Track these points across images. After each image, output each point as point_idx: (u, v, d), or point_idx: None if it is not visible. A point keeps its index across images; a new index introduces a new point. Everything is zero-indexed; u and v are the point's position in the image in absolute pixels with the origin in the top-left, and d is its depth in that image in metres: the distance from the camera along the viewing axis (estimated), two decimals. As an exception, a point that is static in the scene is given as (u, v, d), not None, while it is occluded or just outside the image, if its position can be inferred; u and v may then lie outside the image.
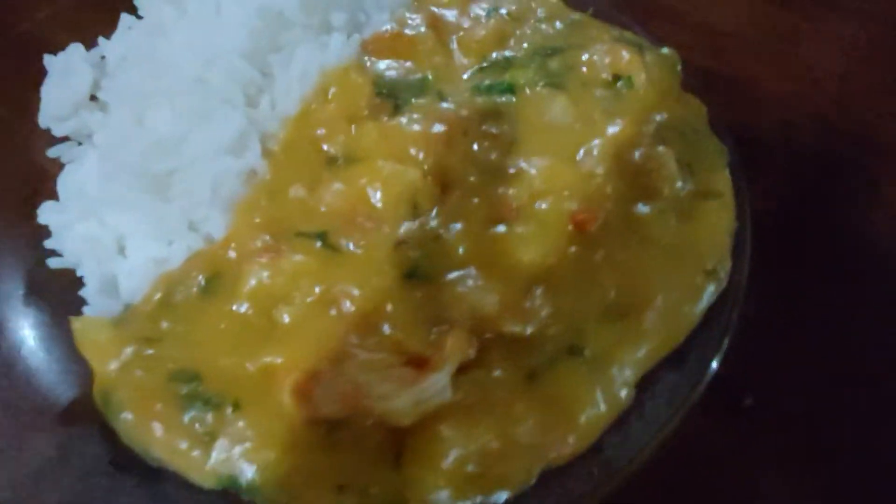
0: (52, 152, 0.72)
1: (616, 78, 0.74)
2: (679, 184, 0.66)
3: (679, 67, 0.77)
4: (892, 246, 0.81)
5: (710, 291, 0.62)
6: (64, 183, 0.68)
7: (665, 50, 0.78)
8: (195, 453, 0.52)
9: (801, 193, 0.85)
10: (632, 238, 0.62)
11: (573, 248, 0.61)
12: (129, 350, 0.57)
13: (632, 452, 0.51)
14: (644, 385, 0.57)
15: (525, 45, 0.76)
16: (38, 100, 0.73)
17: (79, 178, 0.68)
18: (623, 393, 0.55)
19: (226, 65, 0.64)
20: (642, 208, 0.64)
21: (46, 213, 0.65)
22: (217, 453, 0.51)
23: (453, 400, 0.53)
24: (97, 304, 0.63)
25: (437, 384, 0.52)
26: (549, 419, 0.53)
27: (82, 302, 0.64)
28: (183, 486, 0.52)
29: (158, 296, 0.60)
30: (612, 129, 0.69)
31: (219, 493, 0.51)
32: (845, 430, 0.66)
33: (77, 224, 0.64)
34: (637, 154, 0.68)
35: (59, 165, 0.72)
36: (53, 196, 0.69)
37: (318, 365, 0.52)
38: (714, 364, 0.59)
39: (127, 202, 0.63)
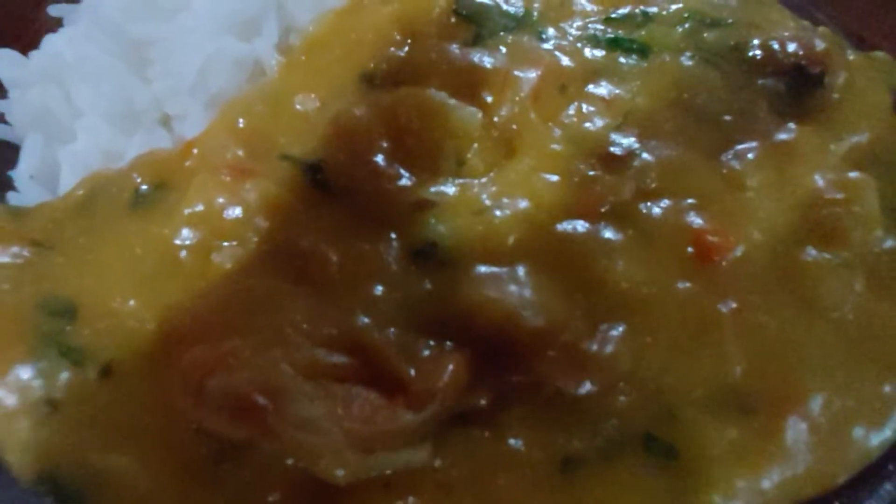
0: (53, 10, 0.57)
1: (801, 71, 0.51)
2: (878, 232, 0.42)
3: (894, 81, 0.53)
4: None
5: None
6: (48, 42, 0.54)
7: (879, 54, 0.54)
8: (21, 424, 0.33)
9: None
10: (787, 294, 0.40)
11: (687, 283, 0.38)
12: (13, 249, 0.40)
13: None
14: None
15: (677, 6, 0.56)
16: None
17: (62, 40, 0.53)
18: None
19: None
20: (813, 254, 0.41)
21: (4, 64, 0.50)
22: (49, 433, 0.32)
23: (428, 466, 0.31)
24: (25, 191, 0.50)
25: (410, 430, 0.30)
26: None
27: (9, 185, 0.49)
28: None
29: (80, 193, 0.43)
30: (784, 136, 0.47)
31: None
32: None
33: (35, 86, 0.50)
34: (818, 178, 0.45)
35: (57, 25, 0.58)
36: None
37: (232, 339, 0.33)
38: None
39: (95, 67, 0.48)
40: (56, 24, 0.62)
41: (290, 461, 0.33)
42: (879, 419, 0.38)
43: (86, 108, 0.51)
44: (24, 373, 0.36)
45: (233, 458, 0.32)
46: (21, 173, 0.50)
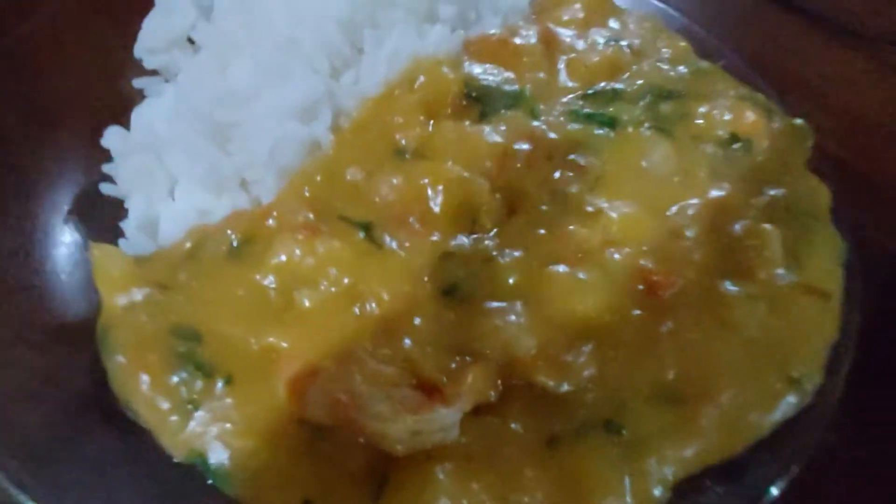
0: (137, 83, 0.71)
1: (733, 138, 0.66)
2: (780, 271, 0.57)
3: (809, 144, 0.68)
4: None
5: (788, 403, 0.52)
6: (138, 115, 0.67)
7: (798, 121, 0.69)
8: (173, 418, 0.48)
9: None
10: (709, 318, 0.54)
11: (637, 311, 0.53)
12: (140, 291, 0.54)
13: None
14: (683, 491, 0.48)
15: (639, 81, 0.70)
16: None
17: (152, 112, 0.67)
18: (657, 492, 0.47)
19: (318, 27, 0.62)
20: (730, 287, 0.56)
21: (111, 138, 0.64)
22: (194, 424, 0.46)
23: (457, 442, 0.46)
24: (134, 239, 0.62)
25: (444, 419, 0.45)
26: (560, 497, 0.45)
27: (121, 233, 0.62)
28: (152, 448, 0.48)
29: (188, 245, 0.57)
30: (716, 192, 0.61)
31: (184, 466, 0.47)
32: None
33: (136, 155, 0.63)
34: (738, 226, 0.59)
35: (140, 98, 0.71)
36: (127, 124, 0.68)
37: (323, 361, 0.47)
38: (774, 491, 0.49)
39: (187, 143, 0.61)
40: (138, 95, 0.76)
41: (361, 440, 0.48)
42: (770, 407, 0.52)
43: (179, 173, 0.63)
44: (170, 381, 0.51)
45: (325, 438, 0.46)
46: (130, 224, 0.62)
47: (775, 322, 0.54)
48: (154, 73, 0.72)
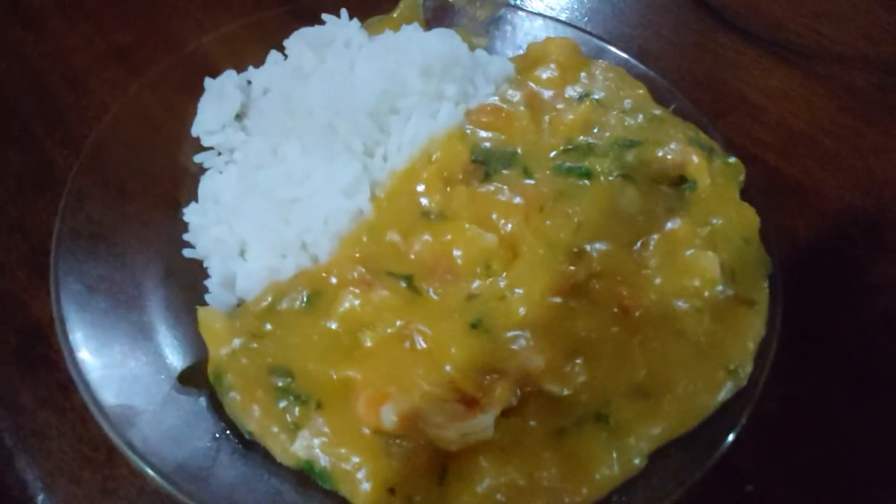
0: (197, 158, 0.86)
1: (682, 179, 0.83)
2: (720, 287, 0.75)
3: (742, 178, 0.85)
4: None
5: (728, 388, 0.70)
6: (204, 188, 0.82)
7: (732, 159, 0.86)
8: (283, 437, 0.64)
9: (837, 304, 0.92)
10: (667, 329, 0.71)
11: (615, 329, 0.71)
12: (237, 341, 0.69)
13: (634, 513, 0.61)
14: (655, 458, 0.65)
15: (607, 133, 0.86)
16: (193, 111, 0.88)
17: (216, 185, 0.82)
18: (636, 461, 0.63)
19: (353, 118, 0.77)
20: (682, 304, 0.73)
21: (190, 214, 0.79)
22: (300, 441, 0.63)
23: (493, 438, 0.63)
24: (217, 295, 0.75)
25: (483, 423, 0.63)
26: (568, 470, 0.63)
27: (205, 290, 0.77)
28: (269, 459, 0.65)
29: (268, 300, 0.73)
30: (670, 226, 0.79)
31: (296, 471, 0.64)
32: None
33: (212, 226, 0.78)
34: (688, 253, 0.77)
35: (200, 169, 0.86)
36: (191, 193, 0.83)
37: (389, 387, 0.64)
38: (720, 450, 0.67)
39: (254, 216, 0.76)
40: (198, 169, 0.90)
41: (423, 442, 0.66)
42: (715, 392, 0.70)
43: (249, 239, 0.78)
44: (277, 409, 0.67)
45: (397, 443, 0.64)
46: (213, 282, 0.76)
47: (716, 328, 0.71)
48: (210, 148, 0.87)
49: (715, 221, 0.81)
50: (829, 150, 1.10)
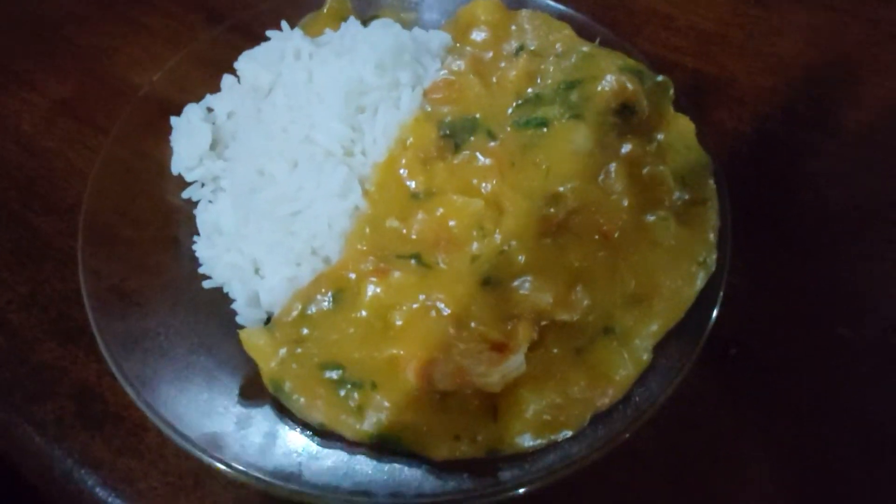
0: (184, 194, 0.90)
1: (623, 106, 0.93)
2: (676, 194, 0.87)
3: (671, 92, 0.96)
4: (845, 217, 1.02)
5: (701, 277, 0.82)
6: (202, 220, 0.87)
7: (660, 78, 0.96)
8: (352, 420, 0.73)
9: (772, 178, 1.06)
10: (643, 242, 0.81)
11: (601, 253, 0.82)
12: (282, 351, 0.77)
13: (653, 398, 0.74)
14: (658, 349, 0.76)
15: (549, 80, 0.94)
16: (166, 151, 0.92)
17: (213, 216, 0.87)
18: (645, 356, 0.74)
19: (326, 126, 0.83)
20: (650, 217, 0.85)
21: (200, 249, 0.85)
22: (368, 420, 0.73)
23: (527, 371, 0.74)
24: (246, 314, 0.82)
25: (516, 361, 0.74)
26: (594, 380, 0.75)
27: (234, 313, 0.84)
28: (345, 441, 0.74)
29: (298, 308, 0.80)
30: (624, 150, 0.89)
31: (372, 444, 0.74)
32: (803, 374, 0.88)
33: (223, 255, 0.84)
34: (644, 171, 0.88)
35: (189, 203, 0.91)
36: (188, 227, 0.89)
37: (431, 354, 0.74)
38: (708, 328, 0.76)
39: (261, 237, 0.82)
40: (188, 203, 0.94)
41: (469, 391, 0.76)
42: (691, 284, 0.83)
43: (261, 257, 0.85)
44: (339, 399, 0.76)
45: (449, 397, 0.74)
46: (239, 305, 0.82)
47: (681, 230, 0.81)
48: (194, 182, 0.91)
49: (659, 137, 0.91)
50: (737, 42, 1.22)
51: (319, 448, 0.74)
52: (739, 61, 1.19)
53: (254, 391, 0.78)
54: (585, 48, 0.99)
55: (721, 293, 0.82)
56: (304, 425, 0.76)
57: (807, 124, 1.13)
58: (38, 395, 0.84)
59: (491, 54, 0.97)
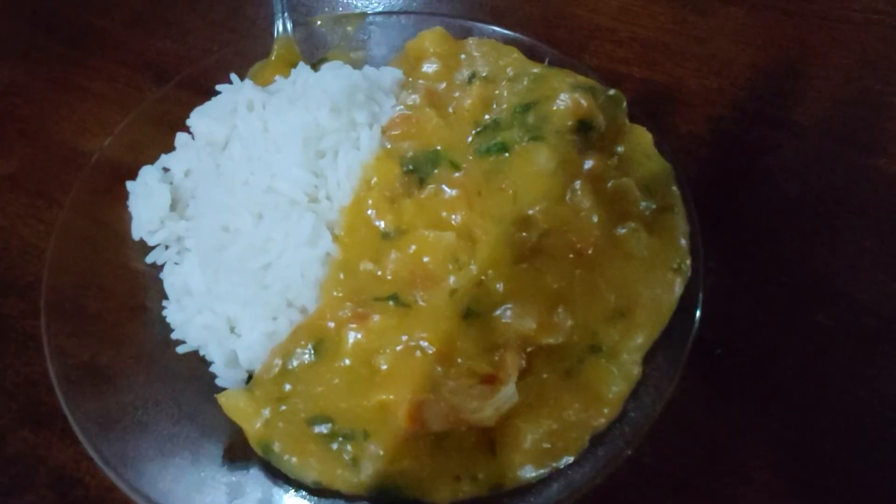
0: (148, 259, 0.87)
1: (580, 123, 0.94)
2: (643, 204, 0.87)
3: (624, 104, 0.97)
4: (807, 207, 1.04)
5: (678, 282, 0.81)
6: (170, 283, 0.84)
7: (612, 91, 0.98)
8: (348, 474, 0.71)
9: (731, 177, 1.08)
10: (617, 255, 0.80)
11: (578, 271, 0.82)
12: (266, 411, 0.75)
13: (648, 411, 0.74)
14: (647, 360, 0.75)
15: (504, 105, 0.95)
16: (124, 217, 0.89)
17: (180, 278, 0.84)
18: (635, 370, 0.73)
19: (288, 175, 0.81)
20: (620, 230, 0.85)
21: (171, 314, 0.82)
22: (364, 471, 0.71)
23: (520, 400, 0.73)
24: (226, 376, 0.78)
25: (508, 392, 0.73)
26: (587, 400, 0.74)
27: (213, 375, 0.81)
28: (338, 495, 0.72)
29: (278, 365, 0.78)
30: (587, 167, 0.90)
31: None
32: (788, 365, 0.90)
33: (195, 317, 0.82)
34: (609, 185, 0.89)
35: (154, 267, 0.88)
36: (154, 293, 0.86)
37: (420, 395, 0.73)
38: (693, 332, 0.76)
39: (234, 294, 0.80)
40: (152, 268, 0.91)
41: (464, 428, 0.75)
42: (670, 291, 0.84)
43: (235, 315, 0.82)
44: (332, 453, 0.74)
45: (444, 436, 0.72)
46: (218, 367, 0.80)
47: (653, 240, 0.81)
48: (157, 246, 0.89)
49: (619, 150, 0.93)
50: (680, 48, 1.25)
51: (318, 506, 0.71)
52: (684, 66, 1.23)
53: (243, 456, 0.75)
54: (536, 69, 1.00)
55: (700, 295, 0.83)
56: (299, 485, 0.73)
57: (757, 121, 1.16)
58: (14, 488, 0.80)
59: (444, 85, 0.97)
